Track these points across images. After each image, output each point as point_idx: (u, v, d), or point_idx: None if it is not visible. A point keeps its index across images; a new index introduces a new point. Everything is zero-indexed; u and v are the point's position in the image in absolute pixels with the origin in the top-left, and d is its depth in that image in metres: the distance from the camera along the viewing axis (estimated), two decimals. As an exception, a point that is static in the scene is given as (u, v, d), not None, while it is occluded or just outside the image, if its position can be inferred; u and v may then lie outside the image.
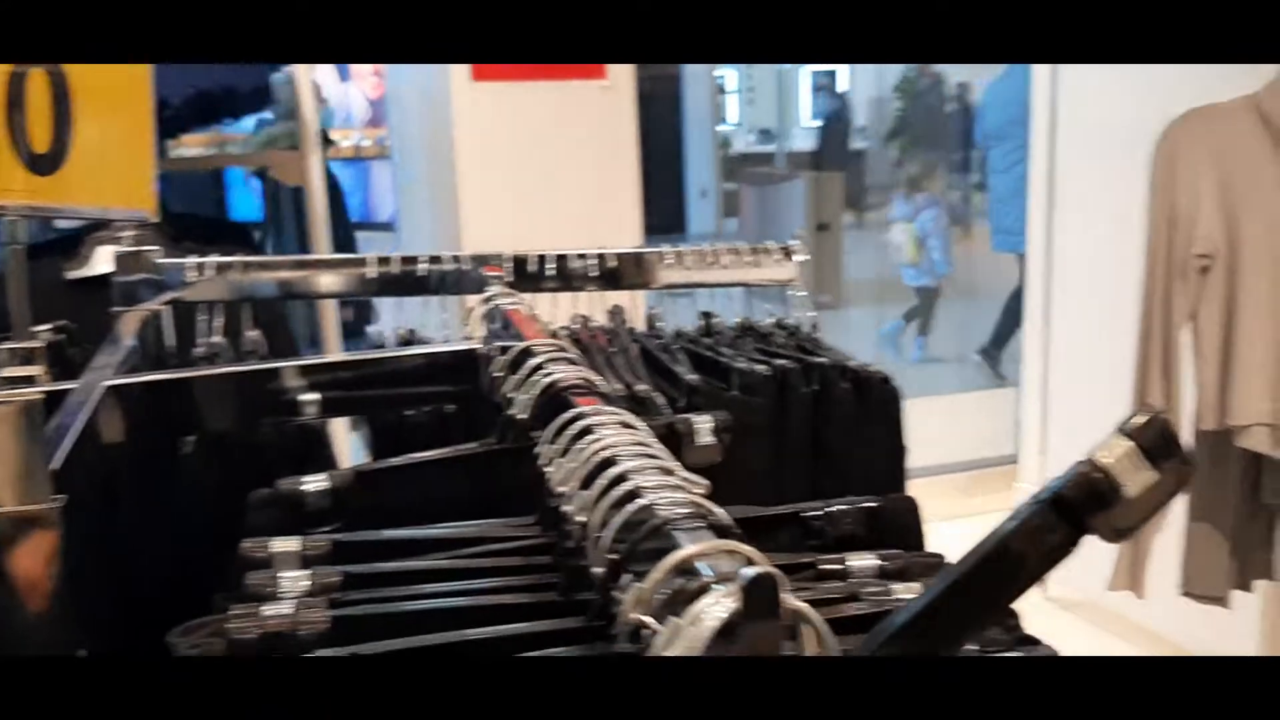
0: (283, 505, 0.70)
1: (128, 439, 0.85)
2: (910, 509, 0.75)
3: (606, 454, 0.56)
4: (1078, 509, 0.43)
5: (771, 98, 10.89)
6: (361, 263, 1.22)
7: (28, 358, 0.96)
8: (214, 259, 1.23)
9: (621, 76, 2.42)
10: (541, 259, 1.23)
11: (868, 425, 1.05)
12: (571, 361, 0.75)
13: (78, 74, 1.18)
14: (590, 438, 0.59)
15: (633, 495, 0.52)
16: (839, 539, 0.70)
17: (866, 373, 1.06)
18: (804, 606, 0.44)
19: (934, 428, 3.85)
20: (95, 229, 1.71)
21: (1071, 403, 3.00)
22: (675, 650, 0.42)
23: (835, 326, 6.34)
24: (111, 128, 1.28)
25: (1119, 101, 2.53)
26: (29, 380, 0.92)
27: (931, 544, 0.75)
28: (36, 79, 1.15)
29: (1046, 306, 3.27)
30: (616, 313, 1.31)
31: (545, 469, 0.62)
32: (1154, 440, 0.43)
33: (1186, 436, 1.74)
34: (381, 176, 4.29)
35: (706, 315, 1.38)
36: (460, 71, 2.32)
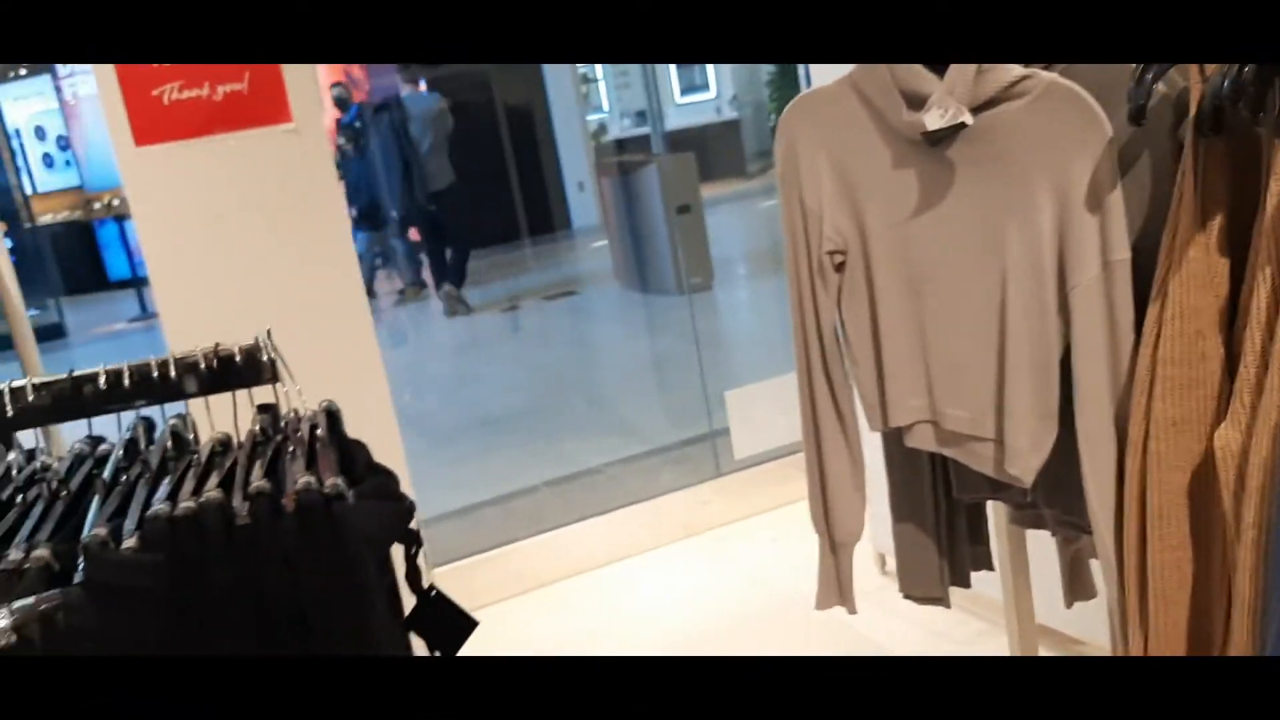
0: None
1: None
2: None
3: None
4: None
5: (641, 78, 10.74)
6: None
7: None
8: None
9: (306, 118, 2.26)
10: None
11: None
12: None
13: None
14: None
15: None
16: None
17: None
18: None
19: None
20: None
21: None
22: None
23: (708, 307, 6.26)
24: None
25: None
26: None
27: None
28: None
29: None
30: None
31: None
32: None
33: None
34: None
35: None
36: (123, 138, 2.16)
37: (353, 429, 2.28)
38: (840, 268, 1.50)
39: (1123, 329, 1.27)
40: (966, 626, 2.86)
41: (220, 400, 1.23)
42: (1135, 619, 1.28)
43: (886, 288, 1.46)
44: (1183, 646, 1.25)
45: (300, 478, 0.97)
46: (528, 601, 3.46)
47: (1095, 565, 1.75)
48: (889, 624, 2.91)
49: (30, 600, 0.76)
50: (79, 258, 9.53)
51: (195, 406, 1.24)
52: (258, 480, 0.96)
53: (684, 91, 11.72)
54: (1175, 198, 1.18)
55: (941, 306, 1.42)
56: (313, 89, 2.28)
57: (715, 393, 3.89)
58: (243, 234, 2.25)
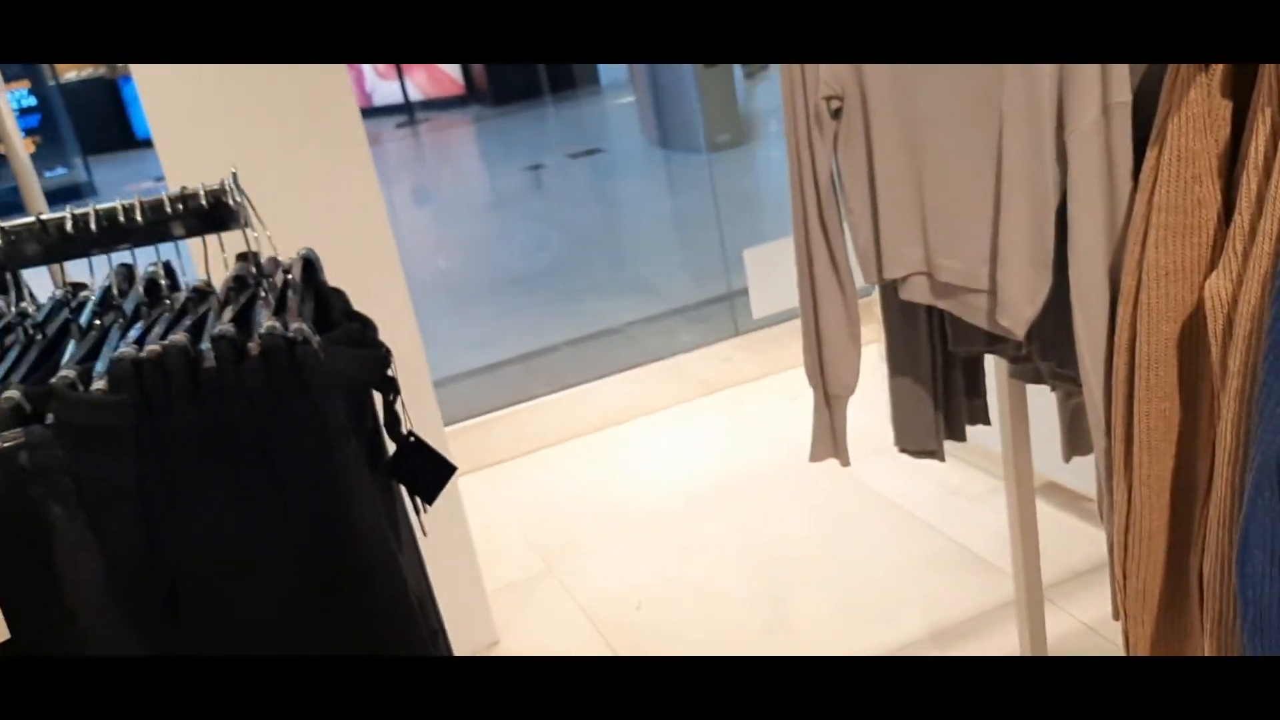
0: None
1: None
2: None
3: None
4: None
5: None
6: None
7: None
8: None
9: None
10: None
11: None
12: None
13: None
14: None
15: None
16: None
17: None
18: None
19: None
20: None
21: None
22: None
23: (735, 165, 6.16)
24: None
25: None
26: None
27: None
28: None
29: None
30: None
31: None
32: None
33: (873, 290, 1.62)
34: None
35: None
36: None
37: (358, 281, 2.29)
38: (837, 114, 1.46)
39: (1120, 176, 1.24)
40: (978, 483, 2.89)
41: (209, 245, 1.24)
42: (1120, 469, 1.27)
43: (884, 134, 1.42)
44: (1166, 497, 1.25)
45: (266, 322, 0.97)
46: (547, 457, 3.52)
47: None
48: (902, 481, 2.93)
49: (-11, 435, 0.78)
50: (105, 116, 9.50)
51: (172, 252, 1.24)
52: (223, 325, 0.96)
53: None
54: (1179, 35, 1.13)
55: (938, 153, 1.38)
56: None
57: (735, 252, 3.86)
58: (242, 81, 2.21)
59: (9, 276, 1.22)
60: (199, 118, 2.18)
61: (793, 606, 2.53)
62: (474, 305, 4.82)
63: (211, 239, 1.20)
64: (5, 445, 0.77)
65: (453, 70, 9.98)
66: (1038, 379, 1.67)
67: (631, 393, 3.66)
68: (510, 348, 4.15)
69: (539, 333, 4.30)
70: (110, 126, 9.46)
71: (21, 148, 2.27)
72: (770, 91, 7.43)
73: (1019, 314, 1.36)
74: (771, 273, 3.61)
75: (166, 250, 1.21)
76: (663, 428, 3.58)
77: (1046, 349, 1.45)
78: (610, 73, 9.21)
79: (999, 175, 1.32)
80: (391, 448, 1.19)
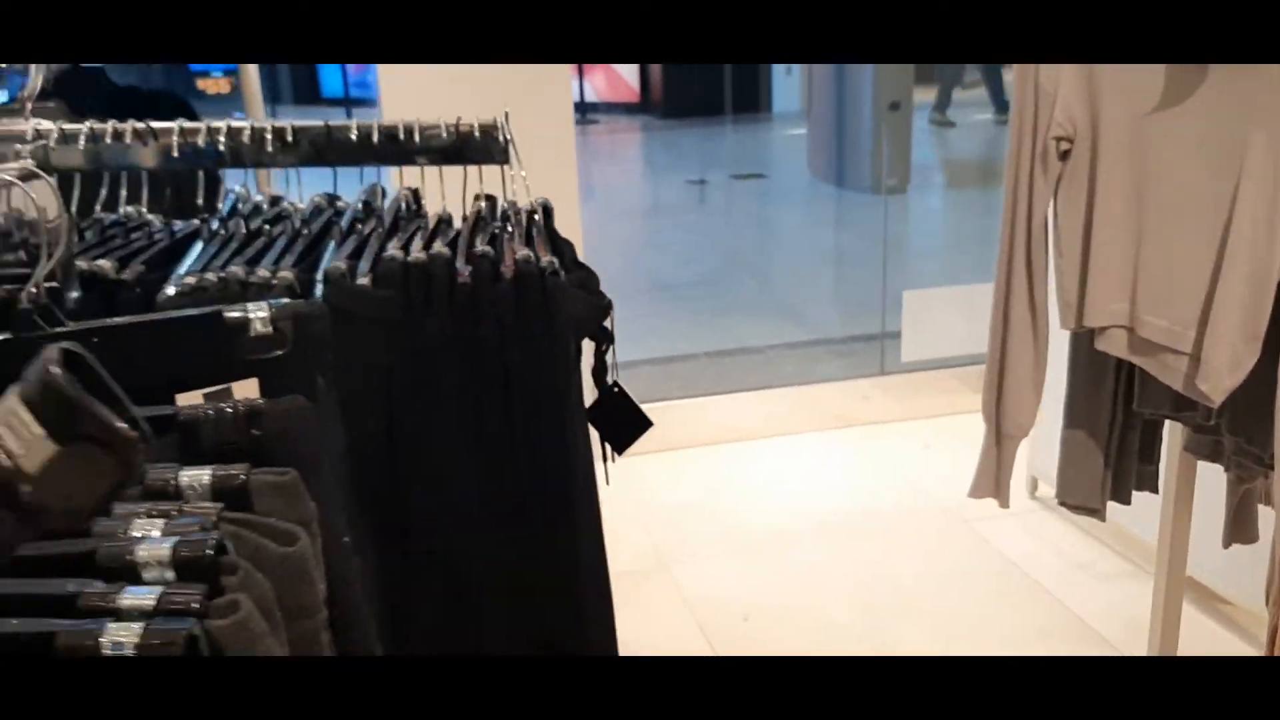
0: None
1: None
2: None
3: None
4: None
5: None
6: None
7: None
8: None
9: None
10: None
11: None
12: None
13: None
14: None
15: None
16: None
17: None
18: None
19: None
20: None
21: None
22: None
23: (896, 209, 6.13)
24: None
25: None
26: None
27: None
28: None
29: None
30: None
31: None
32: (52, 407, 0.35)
33: (1062, 334, 1.62)
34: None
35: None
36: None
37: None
38: (1065, 156, 1.47)
39: (1356, 258, 1.23)
40: (1109, 563, 2.83)
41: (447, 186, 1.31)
42: (1302, 553, 1.26)
43: (1109, 183, 1.43)
44: (1347, 588, 1.23)
45: (520, 252, 1.03)
46: (674, 458, 3.55)
47: (1262, 512, 1.71)
48: (1028, 545, 2.90)
49: (286, 300, 0.85)
50: (298, 69, 9.91)
51: (418, 180, 1.32)
52: (482, 246, 1.03)
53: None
54: None
55: (1164, 209, 1.38)
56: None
57: (894, 295, 3.86)
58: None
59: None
60: (427, 82, 2.29)
61: (897, 648, 2.52)
62: (622, 303, 4.90)
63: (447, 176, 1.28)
64: (297, 309, 0.84)
65: (630, 78, 10.15)
66: (1214, 456, 1.65)
67: (765, 412, 3.68)
68: (651, 349, 4.21)
69: (681, 339, 4.35)
70: (301, 81, 9.89)
71: (258, 86, 2.41)
72: (947, 142, 7.39)
73: (1219, 382, 1.35)
74: (927, 318, 3.60)
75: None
76: (791, 451, 3.59)
77: (1237, 423, 1.43)
78: (783, 102, 9.25)
79: (1224, 238, 1.32)
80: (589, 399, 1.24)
